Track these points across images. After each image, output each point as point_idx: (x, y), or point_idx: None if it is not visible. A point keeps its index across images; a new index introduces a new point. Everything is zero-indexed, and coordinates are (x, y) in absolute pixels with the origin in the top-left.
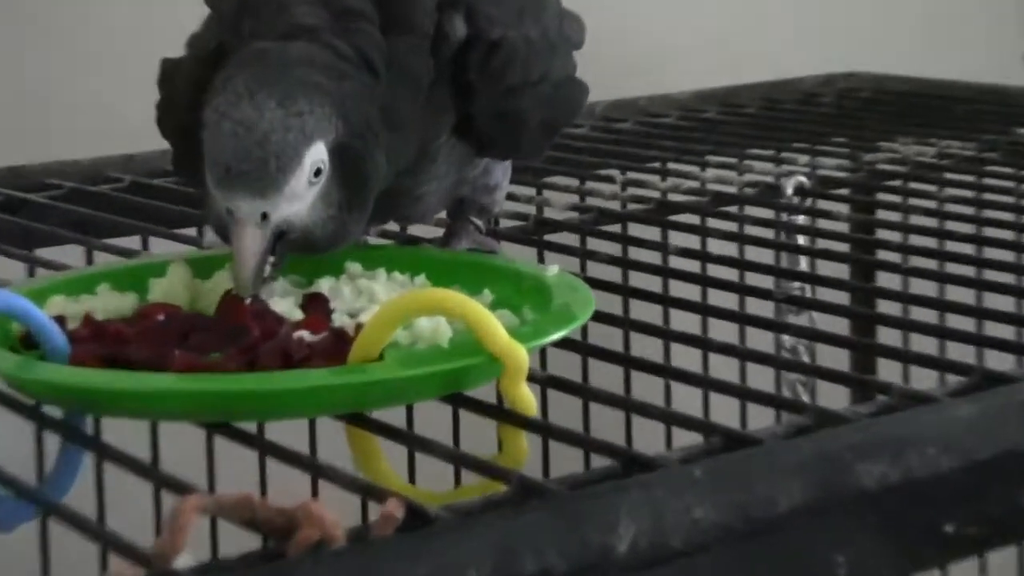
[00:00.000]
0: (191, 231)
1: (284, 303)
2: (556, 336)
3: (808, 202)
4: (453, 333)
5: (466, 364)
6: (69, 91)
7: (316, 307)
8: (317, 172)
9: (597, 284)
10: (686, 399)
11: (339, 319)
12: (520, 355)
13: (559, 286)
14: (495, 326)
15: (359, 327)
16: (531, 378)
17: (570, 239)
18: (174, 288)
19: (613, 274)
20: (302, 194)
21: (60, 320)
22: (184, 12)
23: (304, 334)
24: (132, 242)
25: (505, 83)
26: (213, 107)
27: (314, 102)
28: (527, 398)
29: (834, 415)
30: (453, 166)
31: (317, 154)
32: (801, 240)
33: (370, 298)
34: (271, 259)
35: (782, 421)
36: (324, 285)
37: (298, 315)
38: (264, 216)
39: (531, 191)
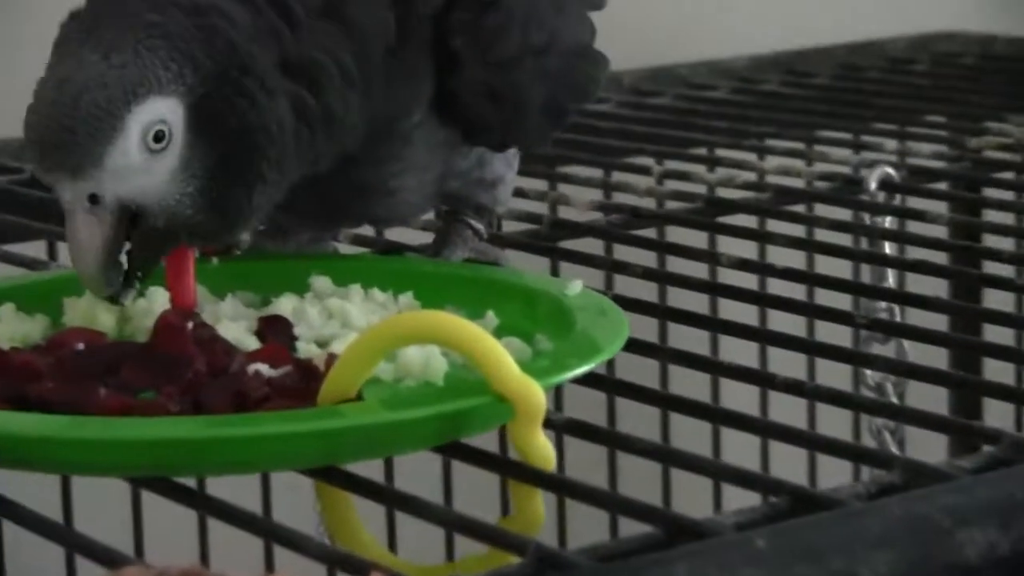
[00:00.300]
0: None
1: (235, 328)
2: (579, 371)
3: (896, 199)
4: (449, 367)
5: (467, 406)
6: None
7: (276, 333)
8: (158, 137)
9: (627, 303)
10: (740, 448)
11: (305, 348)
12: (535, 395)
13: (583, 308)
14: (503, 359)
15: (331, 359)
16: (547, 423)
17: (593, 246)
18: (94, 309)
19: (647, 291)
20: (143, 166)
21: None
22: None
23: (261, 368)
24: (36, 248)
25: (499, 52)
26: (49, 62)
27: (152, 48)
28: (543, 448)
29: (929, 470)
30: (436, 154)
31: (152, 113)
32: (887, 248)
33: (343, 322)
34: (126, 249)
35: (863, 477)
36: (285, 305)
37: (253, 343)
38: (93, 198)
39: (542, 185)
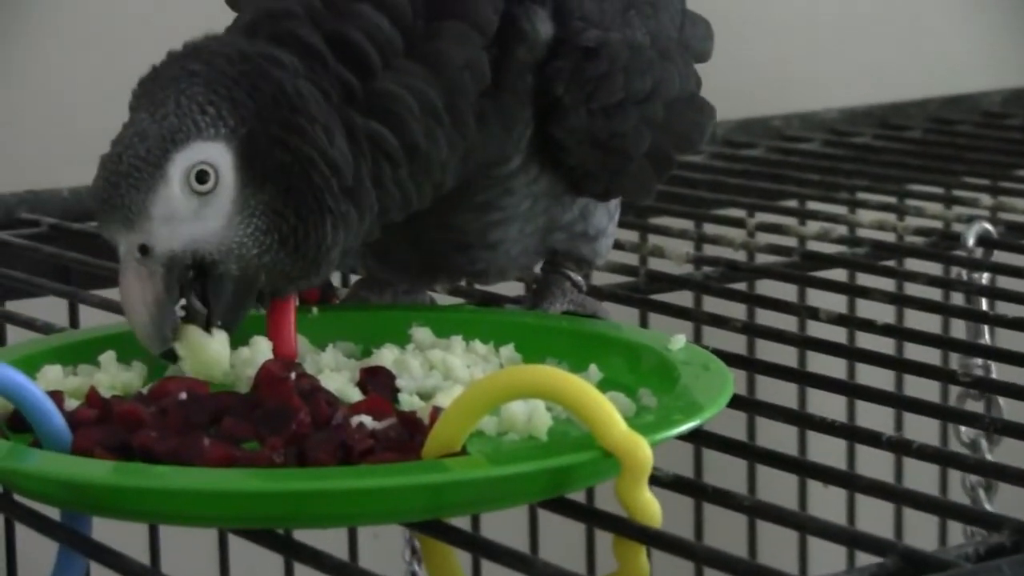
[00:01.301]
0: None
1: (337, 378)
2: (686, 427)
3: (993, 255)
4: (552, 421)
5: (573, 461)
6: (46, 106)
7: (378, 385)
8: (201, 178)
9: (719, 356)
10: (824, 502)
11: (408, 401)
12: (642, 451)
13: (686, 362)
14: (610, 413)
15: (435, 412)
16: (652, 479)
17: (681, 298)
18: (198, 357)
19: (736, 344)
20: (193, 211)
21: (56, 396)
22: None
23: (365, 419)
24: None
25: (602, 99)
26: None
27: (190, 96)
28: (649, 504)
29: None
30: (538, 205)
31: (193, 156)
32: (984, 305)
33: (445, 374)
34: (190, 303)
35: (950, 535)
36: (386, 356)
37: (355, 394)
38: (144, 250)
39: (634, 236)
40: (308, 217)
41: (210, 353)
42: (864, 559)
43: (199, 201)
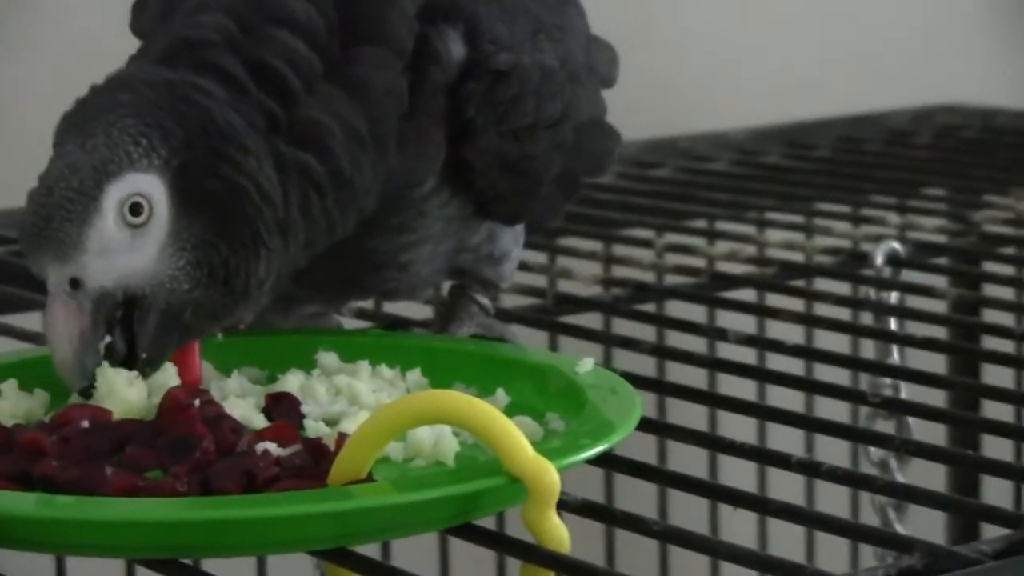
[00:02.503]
0: None
1: (242, 405)
2: (595, 451)
3: (901, 274)
4: (460, 446)
5: (480, 487)
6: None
7: (283, 411)
8: (135, 210)
9: (628, 379)
10: (737, 526)
11: (313, 427)
12: (549, 476)
13: (594, 385)
14: (517, 439)
15: (341, 438)
16: (561, 503)
17: (591, 320)
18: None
19: (646, 366)
20: (126, 244)
21: None
22: None
23: (270, 446)
24: (33, 321)
25: (513, 121)
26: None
27: (121, 128)
28: (557, 530)
29: (948, 553)
30: (451, 227)
31: (126, 188)
32: (893, 325)
33: (352, 399)
34: (114, 340)
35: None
36: (292, 382)
37: (260, 421)
38: (75, 283)
39: (543, 258)
40: (239, 250)
41: (129, 393)
42: None
43: (132, 234)
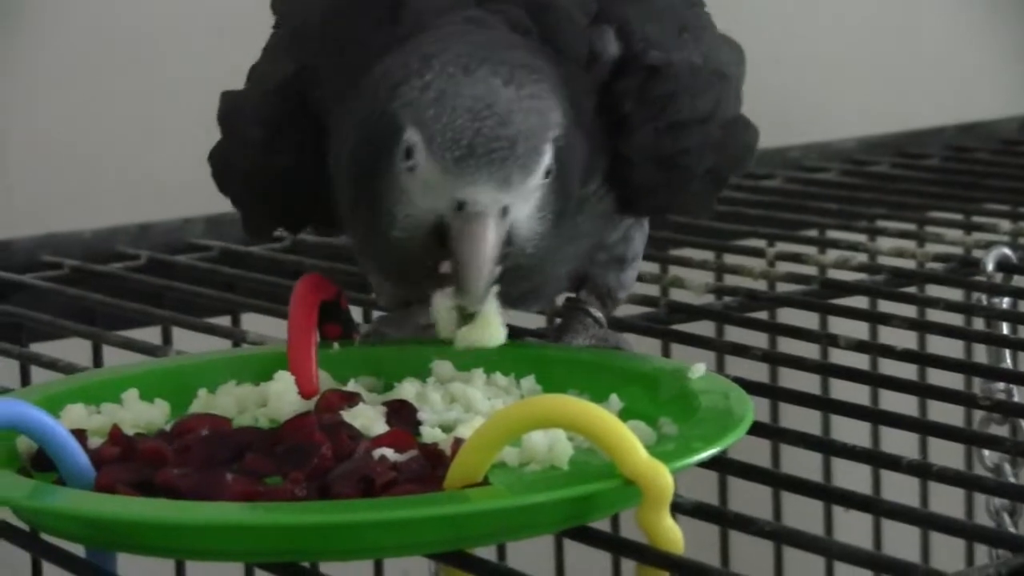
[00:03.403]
0: (224, 320)
1: (366, 412)
2: (707, 454)
3: (1013, 280)
4: (574, 451)
5: (594, 490)
6: (66, 147)
7: (400, 418)
8: (548, 172)
9: (741, 385)
10: (850, 527)
11: (429, 433)
12: (663, 479)
13: (706, 391)
14: (631, 442)
15: (457, 443)
16: (675, 506)
17: (704, 328)
18: (219, 395)
19: (759, 373)
20: (534, 193)
21: (79, 435)
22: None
23: (387, 452)
24: (151, 335)
25: (669, 118)
26: (421, 85)
27: (540, 87)
28: (671, 531)
29: None
30: (597, 224)
31: (552, 148)
32: (1005, 329)
33: (467, 406)
34: (498, 270)
35: (977, 558)
36: (408, 390)
37: (378, 428)
38: (504, 211)
39: (654, 268)
40: (559, 237)
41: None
42: None
43: (540, 183)
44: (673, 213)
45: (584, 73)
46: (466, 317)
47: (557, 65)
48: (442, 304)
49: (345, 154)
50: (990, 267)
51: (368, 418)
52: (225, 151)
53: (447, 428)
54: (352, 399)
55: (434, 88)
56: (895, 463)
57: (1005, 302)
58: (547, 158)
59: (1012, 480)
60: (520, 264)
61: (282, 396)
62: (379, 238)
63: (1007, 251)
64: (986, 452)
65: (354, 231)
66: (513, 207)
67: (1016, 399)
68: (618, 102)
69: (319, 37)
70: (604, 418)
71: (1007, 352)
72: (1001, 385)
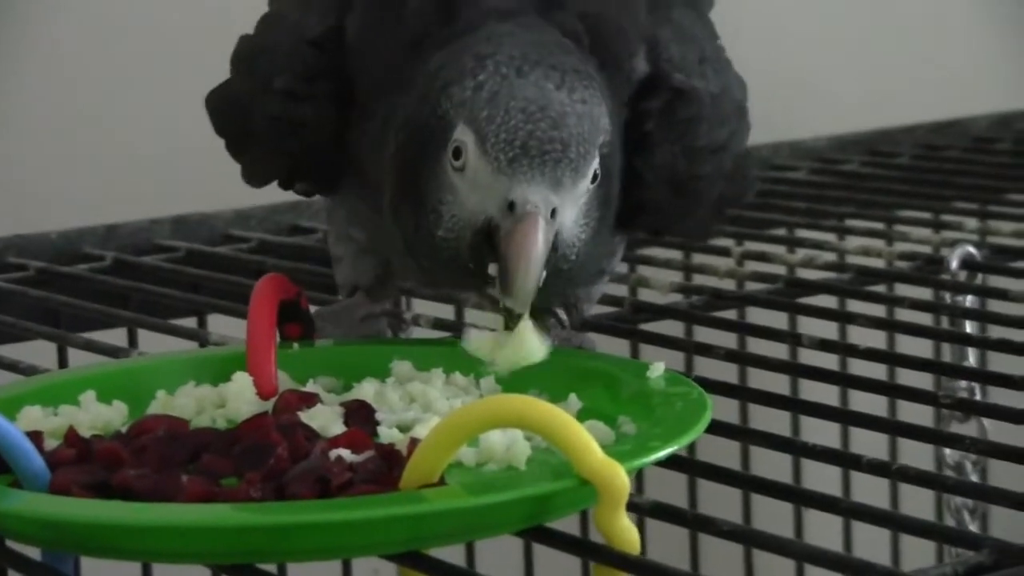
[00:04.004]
0: (190, 321)
1: (323, 413)
2: (663, 454)
3: (978, 279)
4: (532, 451)
5: (550, 490)
6: (34, 149)
7: (358, 418)
8: (595, 177)
9: (708, 385)
10: (821, 529)
11: (387, 433)
12: (619, 479)
13: (665, 390)
14: (587, 442)
15: (413, 443)
16: (631, 506)
17: (672, 328)
18: (178, 396)
19: (728, 372)
20: (582, 197)
21: (36, 437)
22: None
23: (344, 453)
24: (117, 336)
25: (688, 141)
26: (474, 85)
27: (590, 92)
28: (627, 531)
29: (1018, 550)
30: (605, 237)
31: (598, 155)
32: (969, 328)
33: (425, 406)
34: (544, 273)
35: (949, 557)
36: (367, 390)
37: (335, 429)
38: (554, 213)
39: (622, 267)
40: (595, 240)
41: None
42: None
43: (586, 191)
44: (672, 235)
45: (626, 87)
46: (504, 332)
47: (603, 74)
48: (478, 337)
49: (392, 151)
50: (954, 265)
51: (326, 418)
52: (235, 93)
53: (405, 428)
54: (310, 400)
55: (487, 88)
56: (856, 462)
57: (969, 300)
58: (596, 163)
59: (973, 479)
60: (560, 270)
61: (240, 397)
62: (424, 237)
63: (971, 249)
64: (947, 451)
65: (396, 225)
66: (562, 210)
67: (978, 398)
68: (642, 120)
69: (371, 6)
70: (560, 418)
71: (969, 351)
72: (963, 383)
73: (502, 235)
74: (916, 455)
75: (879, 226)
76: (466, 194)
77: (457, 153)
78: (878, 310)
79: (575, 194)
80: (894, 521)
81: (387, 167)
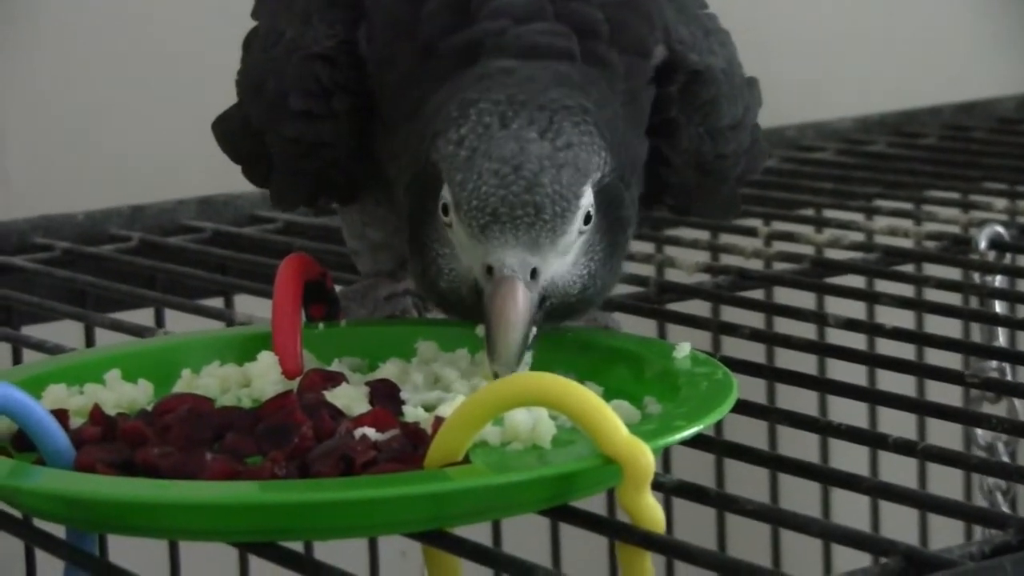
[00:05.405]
0: (217, 302)
1: (348, 392)
2: (688, 433)
3: (1007, 259)
4: (557, 430)
5: (575, 469)
6: (61, 130)
7: (382, 397)
8: (587, 219)
9: (735, 365)
10: (850, 509)
11: (411, 413)
12: (644, 457)
13: (691, 370)
14: (612, 421)
15: (438, 422)
16: (657, 485)
17: (700, 308)
18: (203, 376)
19: (755, 352)
20: (570, 247)
21: (61, 415)
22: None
23: (368, 432)
24: (143, 316)
25: (711, 122)
26: (456, 139)
27: (581, 130)
28: (652, 510)
29: None
30: (623, 249)
31: (589, 196)
32: (998, 307)
33: (448, 386)
34: (534, 330)
35: (975, 537)
36: (391, 369)
37: (360, 408)
38: (534, 273)
39: (649, 247)
40: (612, 271)
41: None
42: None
43: (576, 239)
44: (697, 215)
45: (646, 67)
46: None
47: (624, 60)
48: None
49: (403, 188)
50: (982, 245)
51: (350, 398)
52: (244, 117)
53: (430, 408)
54: (335, 379)
55: (466, 146)
56: (882, 441)
57: (997, 280)
58: (582, 211)
59: (1005, 459)
60: (570, 304)
61: (265, 376)
62: (430, 283)
63: (999, 229)
64: (979, 431)
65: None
66: (545, 267)
67: (1009, 378)
68: (663, 104)
69: (384, 14)
70: (584, 396)
71: (1000, 330)
72: (994, 363)
73: (485, 299)
74: (945, 437)
75: (906, 206)
76: (458, 250)
77: (445, 210)
78: (906, 290)
79: (559, 248)
80: (918, 500)
81: (403, 202)
